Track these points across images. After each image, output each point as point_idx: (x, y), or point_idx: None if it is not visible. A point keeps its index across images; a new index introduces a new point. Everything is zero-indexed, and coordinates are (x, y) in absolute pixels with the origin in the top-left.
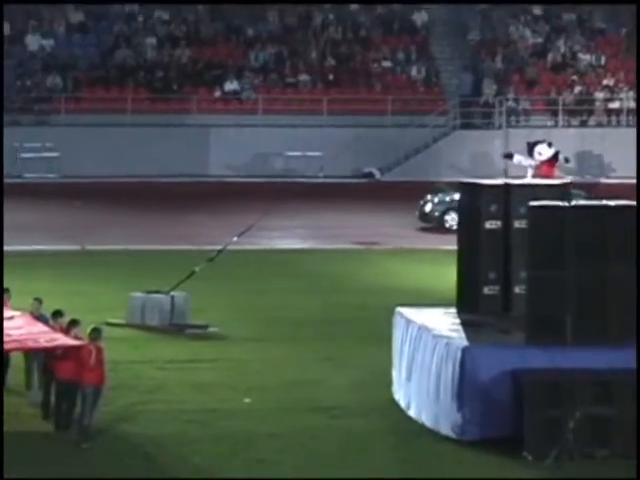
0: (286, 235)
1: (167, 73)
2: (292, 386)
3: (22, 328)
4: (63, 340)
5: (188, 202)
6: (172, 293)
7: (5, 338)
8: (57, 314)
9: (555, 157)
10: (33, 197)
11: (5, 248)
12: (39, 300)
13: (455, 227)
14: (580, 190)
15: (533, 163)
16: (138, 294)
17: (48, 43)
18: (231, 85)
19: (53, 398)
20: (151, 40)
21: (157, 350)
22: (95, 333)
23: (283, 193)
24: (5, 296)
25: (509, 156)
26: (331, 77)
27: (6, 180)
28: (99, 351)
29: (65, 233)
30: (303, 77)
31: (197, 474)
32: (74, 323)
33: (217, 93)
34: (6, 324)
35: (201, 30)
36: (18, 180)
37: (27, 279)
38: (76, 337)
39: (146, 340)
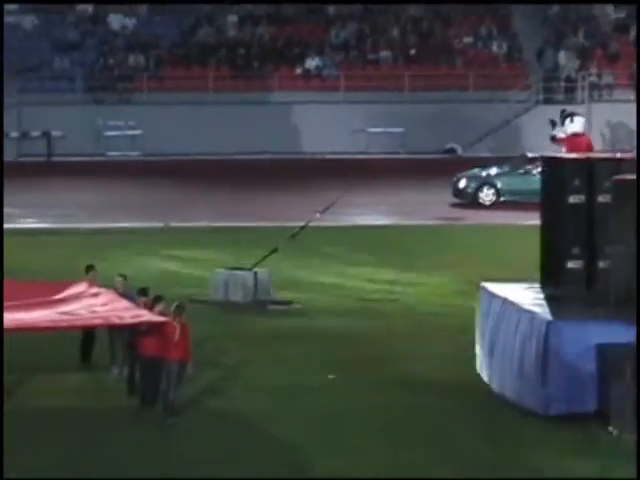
0: (368, 212)
1: (249, 51)
2: (376, 362)
3: (107, 305)
4: (148, 316)
5: (270, 179)
6: (255, 269)
7: (90, 315)
8: (142, 291)
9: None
10: (116, 175)
11: (90, 225)
12: (124, 276)
13: (488, 203)
14: None
15: (563, 135)
16: (221, 271)
17: (130, 22)
18: (312, 62)
19: (138, 374)
20: (232, 18)
21: (241, 326)
22: (179, 309)
23: (365, 169)
24: (91, 273)
25: (553, 123)
26: (412, 53)
27: (90, 158)
28: (183, 327)
29: (149, 210)
30: (384, 54)
31: (282, 451)
32: (158, 299)
33: (298, 70)
34: (91, 301)
35: (282, 8)
36: (102, 158)
37: (112, 256)
38: (161, 313)
39: (230, 316)
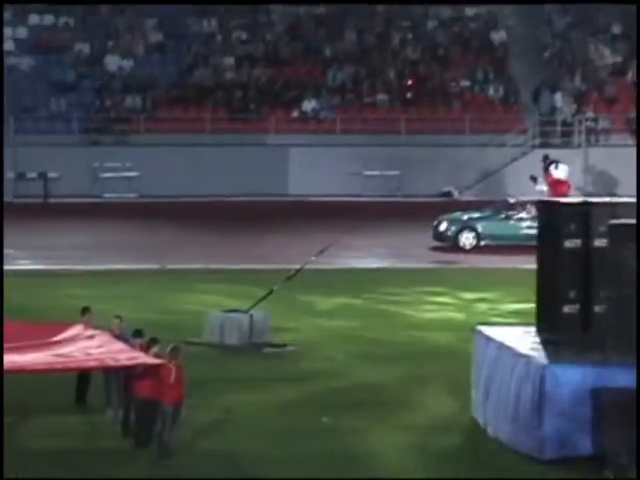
0: (365, 255)
1: (246, 93)
2: (374, 405)
3: (102, 347)
4: (143, 358)
5: (267, 221)
6: (251, 312)
7: (85, 357)
8: (137, 333)
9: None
10: (113, 217)
11: (86, 267)
12: (120, 318)
13: (468, 247)
14: None
15: (545, 188)
16: (217, 313)
17: (127, 63)
18: (309, 105)
19: (133, 416)
20: (229, 60)
21: (236, 369)
22: (175, 351)
23: (361, 212)
24: (86, 315)
25: (534, 179)
26: (409, 96)
27: (86, 200)
28: (179, 369)
29: (145, 252)
30: (381, 96)
31: None
32: (154, 342)
33: (295, 113)
34: (86, 343)
35: (279, 50)
36: (98, 200)
37: (108, 298)
38: (156, 355)
39: (225, 359)
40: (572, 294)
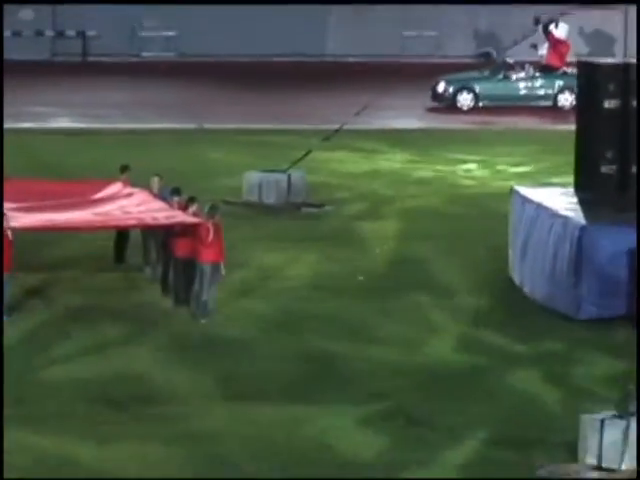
0: (402, 114)
1: None
2: (407, 263)
3: (141, 205)
4: (181, 217)
5: (305, 81)
6: (289, 172)
7: (124, 215)
8: (175, 191)
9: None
10: (151, 75)
11: (125, 126)
12: (159, 176)
13: (466, 108)
14: None
15: (544, 52)
16: (255, 172)
17: None
18: None
19: (172, 274)
20: None
21: (273, 228)
22: (213, 210)
23: (399, 72)
24: (125, 173)
25: (535, 47)
26: None
27: (125, 58)
28: (217, 228)
29: (183, 111)
30: None
31: (308, 351)
32: (192, 200)
33: None
34: (125, 201)
35: None
36: (136, 59)
37: (145, 156)
38: (194, 214)
39: (263, 218)
40: (610, 154)
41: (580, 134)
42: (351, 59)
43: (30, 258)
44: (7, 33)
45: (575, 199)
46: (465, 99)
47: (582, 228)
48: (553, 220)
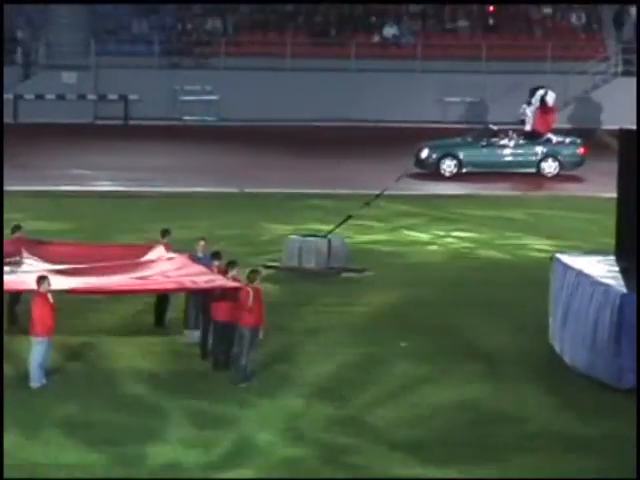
0: (451, 180)
1: (327, 17)
2: (448, 330)
3: (181, 269)
4: (221, 281)
5: (345, 146)
6: (329, 236)
7: (164, 279)
8: (216, 255)
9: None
10: (192, 139)
11: (165, 189)
12: (204, 240)
13: (449, 174)
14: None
15: (529, 114)
16: (295, 237)
17: None
18: (390, 30)
19: (211, 338)
20: None
21: (313, 293)
22: (253, 275)
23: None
24: (166, 237)
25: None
26: (490, 22)
27: (166, 122)
28: (257, 293)
29: (224, 175)
30: (462, 23)
31: (353, 416)
32: (232, 265)
33: (376, 38)
34: (166, 265)
35: None
36: (178, 123)
37: (187, 220)
38: (234, 279)
39: (303, 283)
40: None
41: (621, 201)
42: (393, 124)
43: (71, 321)
44: (51, 96)
45: (616, 266)
46: (448, 165)
47: (623, 296)
48: (594, 288)
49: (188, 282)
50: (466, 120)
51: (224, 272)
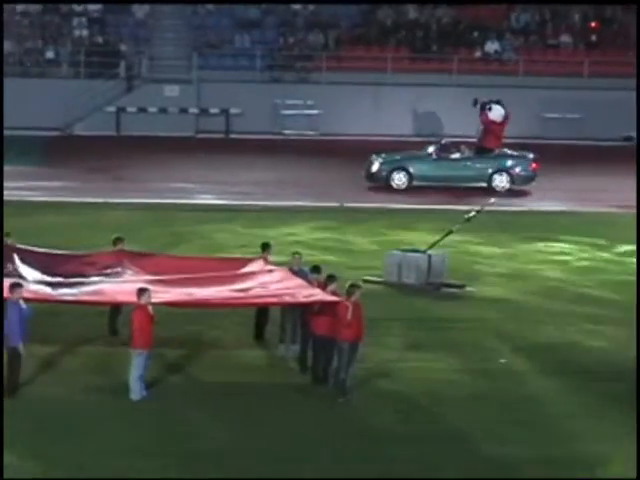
0: (544, 197)
1: (428, 33)
2: (549, 348)
3: (280, 282)
4: (321, 295)
5: None
6: (429, 252)
7: (264, 292)
8: (315, 269)
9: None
10: (293, 154)
11: (266, 203)
12: (299, 254)
13: (401, 187)
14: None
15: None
16: (395, 252)
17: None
18: (492, 46)
19: (310, 352)
20: None
21: (413, 308)
22: (353, 289)
23: (541, 154)
24: (266, 251)
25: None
26: (593, 38)
27: (267, 136)
28: (356, 307)
29: (323, 189)
30: (564, 38)
31: (449, 433)
32: (331, 279)
33: (477, 53)
34: (265, 278)
35: None
36: (278, 137)
37: (286, 234)
38: (333, 293)
39: (402, 298)
40: None
41: None
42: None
43: (169, 334)
44: (154, 109)
45: None
46: (399, 179)
47: None
48: None
49: (287, 296)
50: (567, 137)
51: (323, 286)
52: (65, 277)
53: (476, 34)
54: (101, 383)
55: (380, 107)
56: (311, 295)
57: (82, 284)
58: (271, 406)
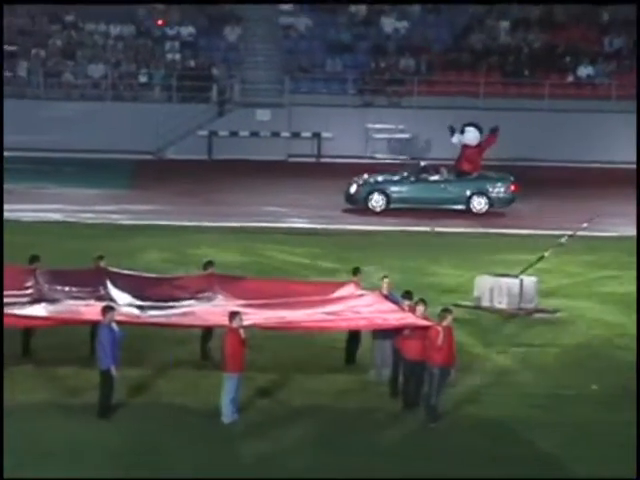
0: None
1: (519, 57)
2: None
3: (371, 306)
4: (412, 319)
5: (538, 187)
6: (521, 277)
7: (355, 315)
8: (407, 294)
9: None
10: None
11: (356, 227)
12: (388, 278)
13: (378, 209)
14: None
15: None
16: (487, 276)
17: (402, 25)
18: (584, 70)
19: (401, 376)
20: (504, 23)
21: (504, 334)
22: (444, 314)
23: (633, 179)
24: (357, 275)
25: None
26: None
27: (358, 160)
28: (448, 332)
29: (414, 213)
30: None
31: (542, 460)
32: (421, 303)
33: (570, 78)
34: (356, 302)
35: (555, 14)
36: (370, 161)
37: (377, 259)
38: (423, 317)
39: (494, 323)
40: None
41: None
42: (587, 165)
43: (260, 357)
44: (245, 133)
45: None
46: (377, 201)
47: None
48: None
49: (379, 319)
50: None
51: (413, 310)
52: (156, 301)
53: (568, 58)
54: (192, 406)
55: None
56: (403, 319)
57: (173, 307)
58: (362, 430)
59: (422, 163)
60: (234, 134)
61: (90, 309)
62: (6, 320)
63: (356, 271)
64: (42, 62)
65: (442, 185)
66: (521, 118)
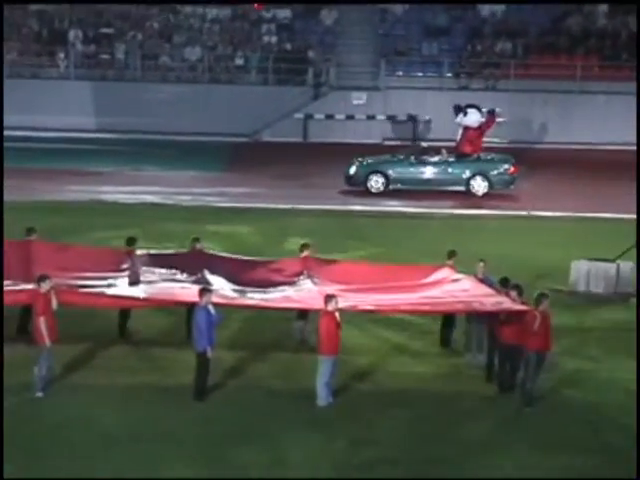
0: None
1: (617, 41)
2: None
3: (468, 290)
4: (509, 304)
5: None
6: (618, 261)
7: (452, 299)
8: (504, 281)
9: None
10: None
11: (454, 211)
12: (484, 262)
13: (376, 190)
14: (509, 155)
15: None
16: (583, 261)
17: (500, 8)
18: None
19: (497, 361)
20: (602, 7)
21: (601, 318)
22: (541, 298)
23: None
24: (451, 259)
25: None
26: None
27: (454, 143)
28: (544, 317)
29: (512, 198)
30: None
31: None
32: (516, 288)
33: None
34: (452, 286)
35: None
36: None
37: (472, 241)
38: (521, 302)
39: (590, 307)
40: None
41: None
42: None
43: (357, 340)
44: (341, 116)
45: None
46: (376, 182)
47: None
48: None
49: (476, 303)
50: None
51: (507, 294)
52: (251, 285)
53: None
54: (287, 389)
55: (569, 116)
56: (499, 303)
57: (269, 292)
58: (456, 414)
59: (423, 144)
60: (330, 117)
61: (186, 291)
62: (104, 301)
63: (451, 254)
64: (139, 45)
65: (442, 166)
66: (619, 102)
